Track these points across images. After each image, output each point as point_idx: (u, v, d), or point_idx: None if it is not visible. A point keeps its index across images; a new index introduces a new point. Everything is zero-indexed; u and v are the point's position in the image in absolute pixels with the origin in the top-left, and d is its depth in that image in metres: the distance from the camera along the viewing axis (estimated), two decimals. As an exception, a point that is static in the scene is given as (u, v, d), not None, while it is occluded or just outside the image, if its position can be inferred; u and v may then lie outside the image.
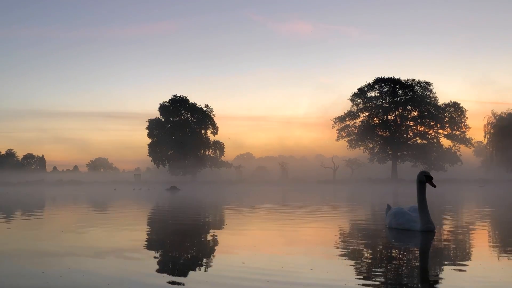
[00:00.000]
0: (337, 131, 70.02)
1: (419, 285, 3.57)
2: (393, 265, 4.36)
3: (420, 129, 69.34)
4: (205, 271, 4.16)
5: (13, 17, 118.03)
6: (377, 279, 3.74)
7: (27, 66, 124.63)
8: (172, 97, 74.55)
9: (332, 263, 4.46)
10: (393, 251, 5.14)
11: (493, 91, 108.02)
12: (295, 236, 6.54)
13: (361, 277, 3.86)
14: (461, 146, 67.44)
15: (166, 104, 74.20)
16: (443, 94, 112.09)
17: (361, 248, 5.42)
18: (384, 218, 7.46)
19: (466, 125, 66.75)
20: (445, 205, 13.35)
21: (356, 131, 68.99)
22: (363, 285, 3.55)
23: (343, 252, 5.04)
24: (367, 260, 4.61)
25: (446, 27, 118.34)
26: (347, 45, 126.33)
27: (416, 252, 5.21)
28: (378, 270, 4.14)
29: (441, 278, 3.77)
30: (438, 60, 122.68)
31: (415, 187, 6.63)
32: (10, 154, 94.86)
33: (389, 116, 69.40)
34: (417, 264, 4.49)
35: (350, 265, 4.33)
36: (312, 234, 6.66)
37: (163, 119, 73.98)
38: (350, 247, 5.42)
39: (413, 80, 67.93)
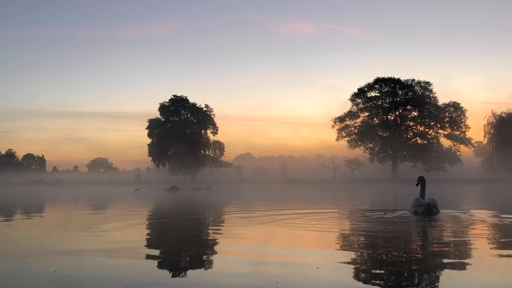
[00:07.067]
0: (337, 131, 70.09)
1: (422, 284, 3.62)
2: (396, 264, 4.41)
3: (420, 129, 69.33)
4: (211, 272, 4.20)
5: (13, 19, 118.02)
6: (381, 278, 3.79)
7: (27, 66, 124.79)
8: (172, 97, 74.51)
9: (338, 261, 4.50)
10: (396, 251, 5.18)
11: (497, 91, 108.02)
12: (299, 235, 6.58)
13: (366, 276, 3.91)
14: (461, 146, 67.49)
15: (166, 104, 74.16)
16: (445, 94, 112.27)
17: (365, 247, 5.47)
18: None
19: (466, 125, 66.80)
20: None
21: (356, 131, 68.97)
22: (368, 283, 3.60)
23: (348, 251, 5.08)
24: (371, 259, 4.65)
25: (447, 27, 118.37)
26: (348, 46, 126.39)
27: (419, 251, 5.25)
28: (382, 269, 4.19)
29: (443, 278, 3.82)
30: (439, 60, 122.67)
31: (415, 186, 10.08)
32: (10, 154, 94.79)
33: (389, 116, 69.37)
34: (420, 263, 4.54)
35: (356, 263, 4.38)
36: (316, 233, 6.71)
37: (163, 119, 73.94)
38: (355, 246, 5.47)
39: (413, 80, 67.90)
